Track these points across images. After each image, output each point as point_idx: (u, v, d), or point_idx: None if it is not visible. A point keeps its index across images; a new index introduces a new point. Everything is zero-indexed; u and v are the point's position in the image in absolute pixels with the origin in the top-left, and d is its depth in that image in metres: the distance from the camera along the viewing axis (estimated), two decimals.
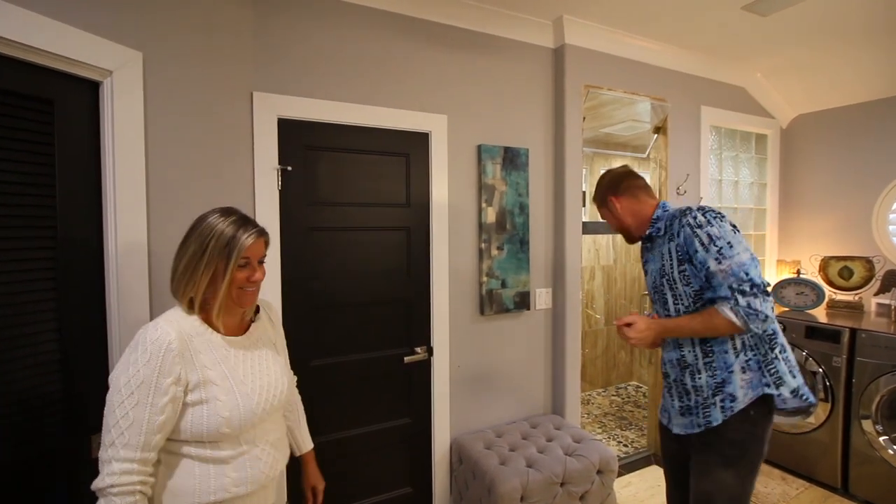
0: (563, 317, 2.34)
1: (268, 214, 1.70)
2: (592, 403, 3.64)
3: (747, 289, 1.17)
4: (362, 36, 1.87)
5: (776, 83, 2.96)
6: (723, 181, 3.02)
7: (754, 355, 1.27)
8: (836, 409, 2.36)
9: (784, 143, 3.24)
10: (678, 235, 1.30)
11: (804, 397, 1.26)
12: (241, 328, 1.04)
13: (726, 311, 1.19)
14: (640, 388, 3.99)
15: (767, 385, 1.25)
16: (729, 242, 1.21)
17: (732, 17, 2.19)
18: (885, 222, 2.73)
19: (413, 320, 2.03)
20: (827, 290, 2.81)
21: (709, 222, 1.24)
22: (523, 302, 2.25)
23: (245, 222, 0.96)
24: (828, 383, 2.40)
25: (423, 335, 2.06)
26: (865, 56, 2.47)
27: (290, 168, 1.74)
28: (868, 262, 2.69)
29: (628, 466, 2.63)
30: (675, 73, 2.66)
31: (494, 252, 2.17)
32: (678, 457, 1.45)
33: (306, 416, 1.32)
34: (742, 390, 1.25)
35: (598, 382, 3.93)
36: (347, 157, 1.88)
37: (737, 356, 1.27)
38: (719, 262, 1.20)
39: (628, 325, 1.34)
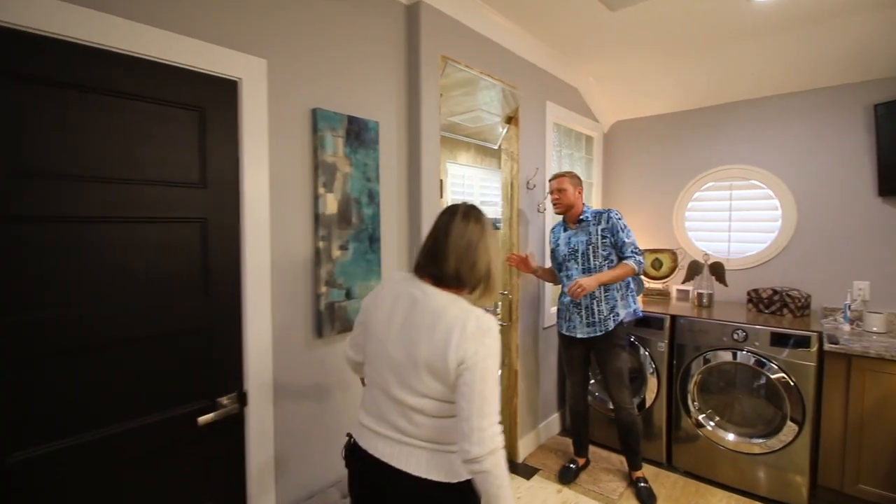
0: None
1: None
2: None
3: (639, 252, 2.22)
4: None
5: (603, 88, 3.15)
6: None
7: (625, 293, 2.33)
8: (660, 391, 2.56)
9: (606, 145, 3.51)
10: (607, 222, 2.25)
11: (638, 313, 2.37)
12: None
13: (632, 263, 2.18)
14: None
15: (627, 307, 2.32)
16: (629, 230, 2.26)
17: (584, 10, 2.12)
18: (682, 220, 3.14)
19: (213, 358, 1.37)
20: (645, 279, 3.10)
21: (620, 219, 2.26)
22: None
23: None
24: (653, 366, 2.59)
25: (230, 377, 1.41)
26: (677, 70, 2.75)
27: None
28: (673, 254, 3.05)
29: None
30: (527, 63, 2.55)
31: (336, 253, 1.65)
32: (582, 354, 2.43)
33: None
34: (623, 311, 2.30)
35: None
36: (95, 100, 1.12)
37: (618, 292, 2.30)
38: (628, 238, 2.22)
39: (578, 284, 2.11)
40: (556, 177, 2.37)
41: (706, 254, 2.85)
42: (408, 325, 1.07)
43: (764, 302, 2.55)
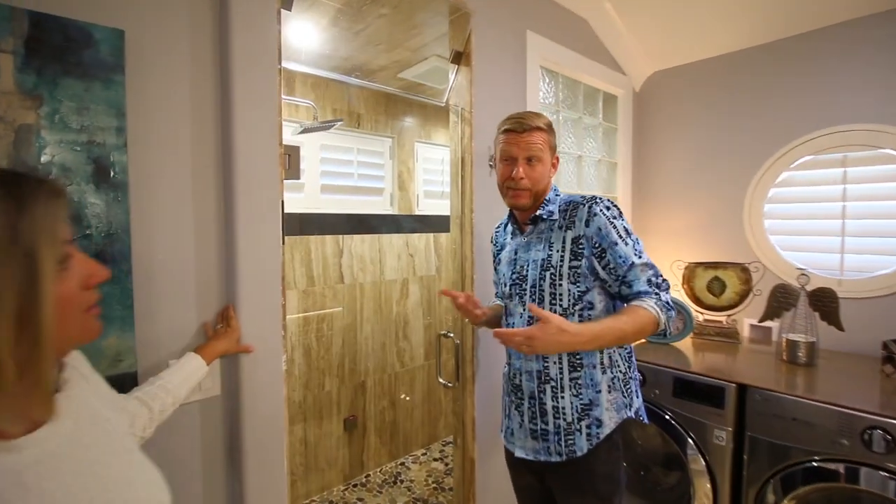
0: (241, 414, 1.07)
1: None
2: (401, 482, 2.49)
3: (662, 282, 1.07)
4: None
5: (630, 21, 2.09)
6: (562, 155, 2.06)
7: (619, 372, 1.13)
8: None
9: (637, 109, 2.43)
10: (586, 225, 1.09)
11: (642, 419, 1.16)
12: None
13: (652, 304, 1.01)
14: None
15: (626, 406, 1.12)
16: (635, 237, 1.09)
17: None
18: (759, 216, 2.01)
19: None
20: (694, 310, 2.01)
21: (620, 215, 1.10)
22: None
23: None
24: (705, 462, 1.54)
25: None
26: None
27: None
28: (744, 272, 1.93)
29: None
30: None
31: None
32: (534, 487, 1.23)
33: None
34: (608, 413, 1.09)
35: (417, 442, 2.81)
36: None
37: (604, 373, 1.11)
38: (640, 256, 1.06)
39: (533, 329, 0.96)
40: (515, 122, 1.12)
41: (803, 272, 1.71)
42: None
43: None
